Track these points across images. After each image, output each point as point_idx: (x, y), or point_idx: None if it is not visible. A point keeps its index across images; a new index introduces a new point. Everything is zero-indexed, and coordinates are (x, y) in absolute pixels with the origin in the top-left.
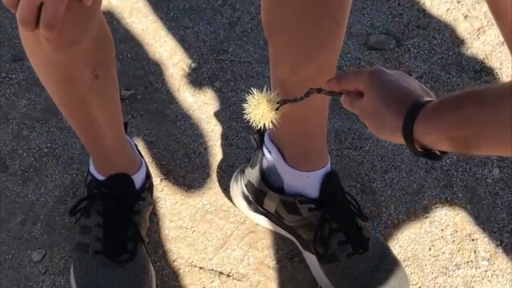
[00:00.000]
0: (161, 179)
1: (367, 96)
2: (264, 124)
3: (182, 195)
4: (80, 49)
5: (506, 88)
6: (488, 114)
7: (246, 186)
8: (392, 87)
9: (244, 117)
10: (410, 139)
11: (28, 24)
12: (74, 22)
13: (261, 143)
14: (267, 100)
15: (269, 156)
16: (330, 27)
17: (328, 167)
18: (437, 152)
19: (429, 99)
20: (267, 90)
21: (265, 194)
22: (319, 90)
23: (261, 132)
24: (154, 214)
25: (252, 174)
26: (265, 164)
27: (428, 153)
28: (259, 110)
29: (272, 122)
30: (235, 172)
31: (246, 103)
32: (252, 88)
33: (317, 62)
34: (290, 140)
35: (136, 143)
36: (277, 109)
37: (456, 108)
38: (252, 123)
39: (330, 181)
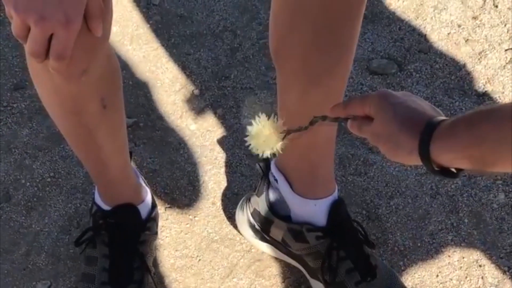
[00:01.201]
0: (166, 207)
1: (378, 120)
2: (268, 153)
3: (187, 223)
4: (89, 79)
5: None
6: (503, 132)
7: (252, 214)
8: (403, 108)
9: (247, 144)
10: (428, 159)
11: (39, 55)
12: (83, 52)
13: (267, 171)
14: (272, 128)
15: (276, 184)
16: (339, 54)
17: (335, 195)
18: (454, 169)
19: (442, 118)
20: (274, 117)
21: (272, 222)
22: (324, 118)
23: (267, 160)
24: (159, 243)
25: (259, 202)
26: (271, 192)
27: (445, 171)
28: (262, 138)
29: (275, 151)
30: (241, 200)
31: (251, 125)
32: (260, 112)
33: (326, 89)
34: (297, 168)
35: (139, 171)
36: (282, 138)
37: (471, 126)
38: (254, 151)
39: (337, 209)
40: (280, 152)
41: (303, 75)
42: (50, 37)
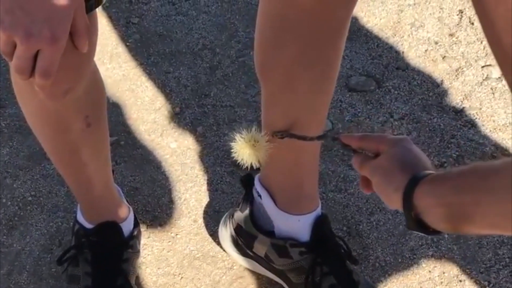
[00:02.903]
0: (147, 225)
1: (386, 154)
2: (251, 163)
3: (169, 241)
4: (74, 97)
5: (509, 162)
6: (488, 184)
7: (235, 230)
8: (412, 155)
9: (232, 155)
10: (409, 201)
11: (24, 72)
12: (69, 70)
13: (250, 186)
14: (254, 140)
15: (259, 199)
16: (323, 70)
17: (318, 210)
18: (429, 225)
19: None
20: (255, 130)
21: (255, 237)
22: (334, 139)
23: (250, 176)
24: (141, 262)
25: (242, 217)
26: (255, 207)
27: (421, 224)
28: (247, 149)
29: (259, 161)
30: (224, 216)
31: (234, 141)
32: (241, 128)
33: (311, 106)
34: (281, 184)
35: (121, 189)
36: (282, 137)
37: (459, 176)
38: (239, 162)
39: (321, 225)
40: (266, 160)
41: (288, 91)
42: (36, 55)
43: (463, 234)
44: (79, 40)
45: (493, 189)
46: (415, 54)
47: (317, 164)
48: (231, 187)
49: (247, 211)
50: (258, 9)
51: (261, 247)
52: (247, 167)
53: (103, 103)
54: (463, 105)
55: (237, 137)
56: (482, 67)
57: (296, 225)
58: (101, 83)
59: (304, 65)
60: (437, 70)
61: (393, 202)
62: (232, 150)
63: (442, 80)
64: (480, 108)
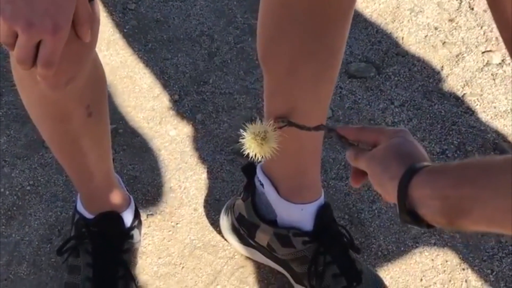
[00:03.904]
0: (147, 215)
1: (384, 144)
2: (262, 156)
3: (170, 231)
4: (75, 86)
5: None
6: (488, 179)
7: (237, 219)
8: (411, 146)
9: (243, 152)
10: (404, 191)
11: (26, 62)
12: (71, 60)
13: (252, 175)
14: (264, 131)
15: (262, 188)
16: (328, 59)
17: (321, 199)
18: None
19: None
20: (261, 121)
21: (258, 227)
22: (330, 130)
23: (252, 165)
24: (142, 251)
25: (244, 206)
26: (257, 196)
27: (413, 215)
28: (258, 143)
29: (270, 152)
30: (225, 205)
31: (243, 138)
32: (246, 123)
33: (314, 94)
34: (284, 172)
35: (120, 178)
36: (281, 127)
37: (459, 169)
38: (251, 157)
39: (324, 214)
40: (275, 151)
41: (292, 81)
42: (38, 45)
43: (457, 229)
44: (82, 30)
45: (493, 184)
46: (415, 40)
47: (320, 153)
48: (231, 175)
49: (249, 200)
50: None
51: (263, 237)
52: (257, 158)
53: (104, 91)
54: (464, 92)
55: (246, 132)
56: (483, 52)
57: (299, 214)
58: (102, 71)
59: (306, 54)
60: (437, 56)
61: (388, 191)
62: (243, 147)
63: (442, 66)
64: (481, 94)
